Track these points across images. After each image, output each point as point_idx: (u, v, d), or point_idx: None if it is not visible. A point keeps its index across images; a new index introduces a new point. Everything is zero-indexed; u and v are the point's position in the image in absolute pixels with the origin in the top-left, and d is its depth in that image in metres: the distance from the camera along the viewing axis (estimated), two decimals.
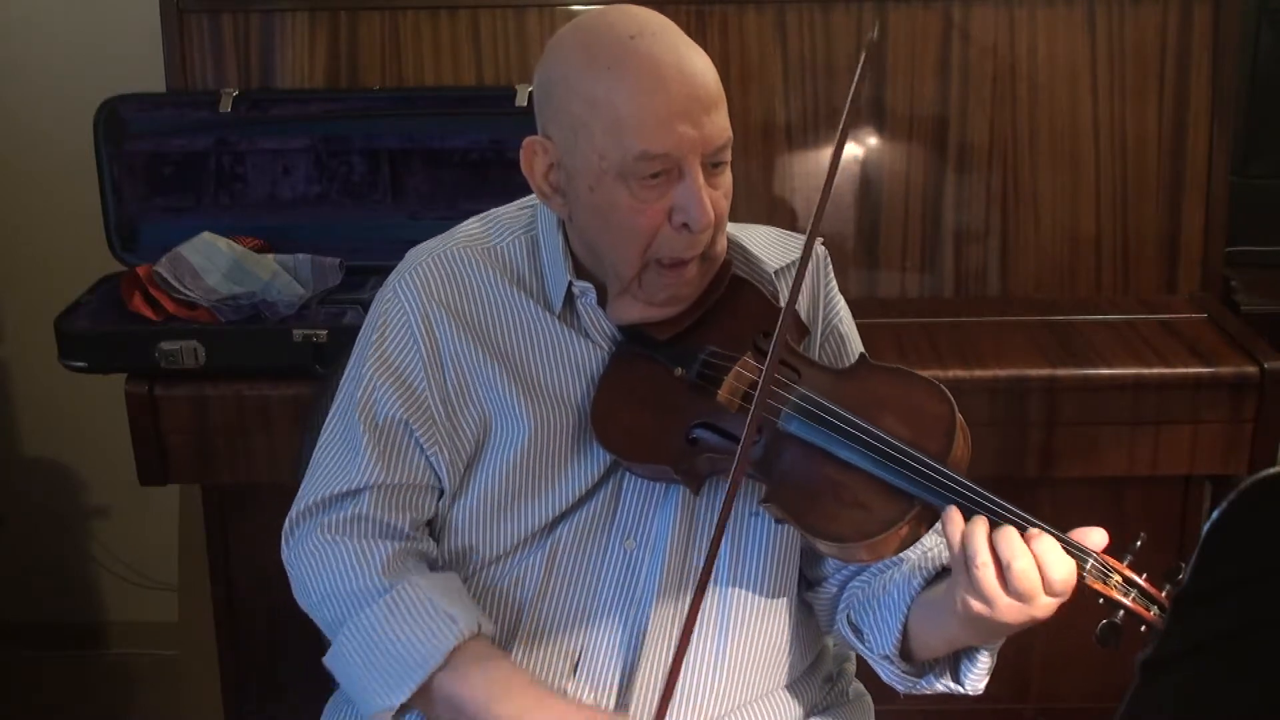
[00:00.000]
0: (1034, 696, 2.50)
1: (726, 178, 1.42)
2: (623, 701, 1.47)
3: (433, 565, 1.52)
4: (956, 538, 1.27)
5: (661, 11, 2.52)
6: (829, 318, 1.56)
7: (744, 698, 1.52)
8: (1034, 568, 1.23)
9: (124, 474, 2.31)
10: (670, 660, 1.49)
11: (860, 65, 1.41)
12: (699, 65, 1.37)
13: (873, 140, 2.46)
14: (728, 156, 1.41)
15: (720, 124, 1.38)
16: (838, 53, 2.44)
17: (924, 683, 1.44)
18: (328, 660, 1.47)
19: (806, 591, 1.56)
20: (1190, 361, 2.21)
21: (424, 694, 1.40)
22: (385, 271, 1.56)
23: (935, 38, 2.44)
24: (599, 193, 1.38)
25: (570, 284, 1.47)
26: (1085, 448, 2.23)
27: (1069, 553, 1.25)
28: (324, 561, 1.46)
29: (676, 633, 1.49)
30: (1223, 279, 2.48)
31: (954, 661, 1.43)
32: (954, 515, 1.28)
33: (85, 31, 2.71)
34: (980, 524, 1.26)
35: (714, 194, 1.39)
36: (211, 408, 2.22)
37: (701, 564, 1.49)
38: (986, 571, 1.24)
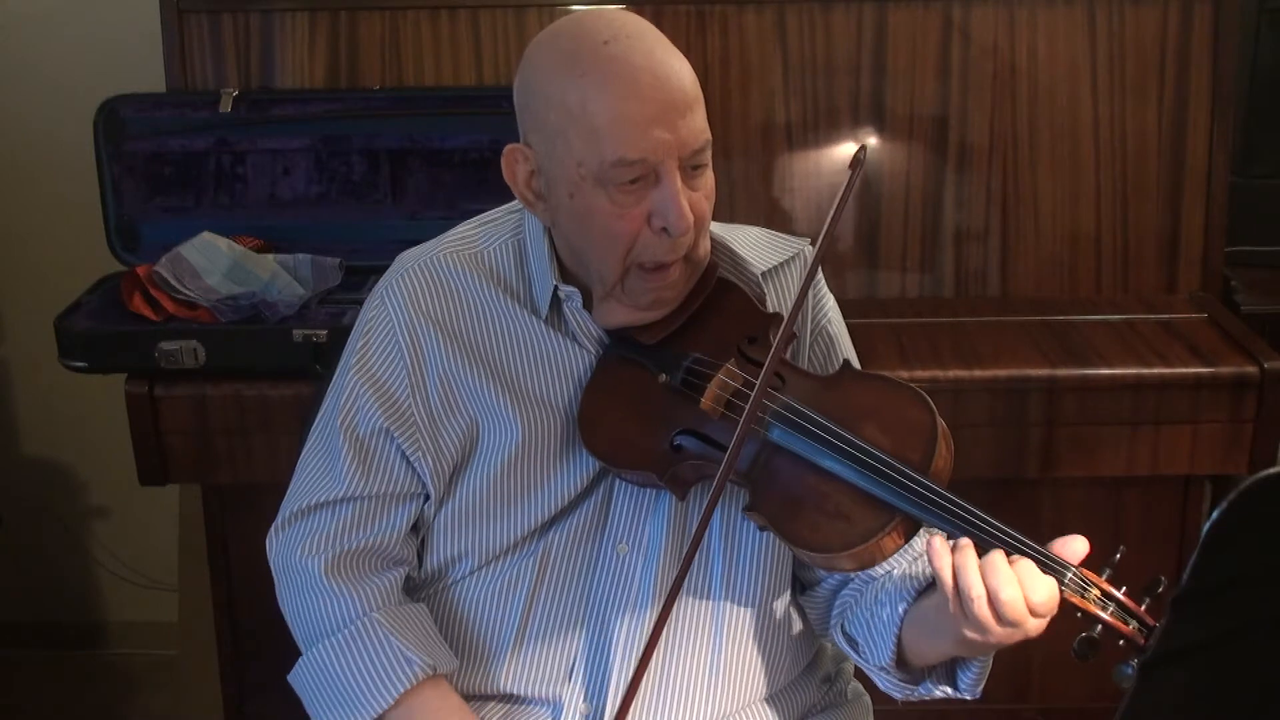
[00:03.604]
0: (1034, 697, 2.50)
1: (707, 179, 1.40)
2: (619, 706, 1.47)
3: (411, 581, 1.53)
4: (945, 571, 1.26)
5: (661, 12, 2.54)
6: (818, 319, 1.56)
7: (740, 702, 1.52)
8: (1020, 596, 1.23)
9: (124, 474, 2.31)
10: (665, 663, 1.49)
11: (847, 183, 1.40)
12: (674, 68, 1.36)
13: (873, 140, 2.46)
14: (707, 159, 1.39)
15: (697, 126, 1.36)
16: (838, 53, 2.44)
17: (921, 689, 1.44)
18: (290, 679, 1.50)
19: (800, 596, 1.56)
20: (1190, 361, 2.21)
21: None
22: (385, 272, 1.56)
23: (935, 38, 2.44)
24: (578, 199, 1.38)
25: (556, 288, 1.47)
26: (1085, 448, 2.22)
27: (1048, 569, 1.25)
28: (299, 584, 1.49)
29: (673, 639, 1.49)
30: (1223, 279, 2.48)
31: (950, 667, 1.43)
32: (939, 547, 1.27)
33: (85, 31, 2.71)
34: (970, 555, 1.26)
35: (694, 196, 1.38)
36: (211, 408, 2.22)
37: (696, 567, 1.49)
38: (981, 604, 1.24)
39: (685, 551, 1.47)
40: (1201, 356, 2.22)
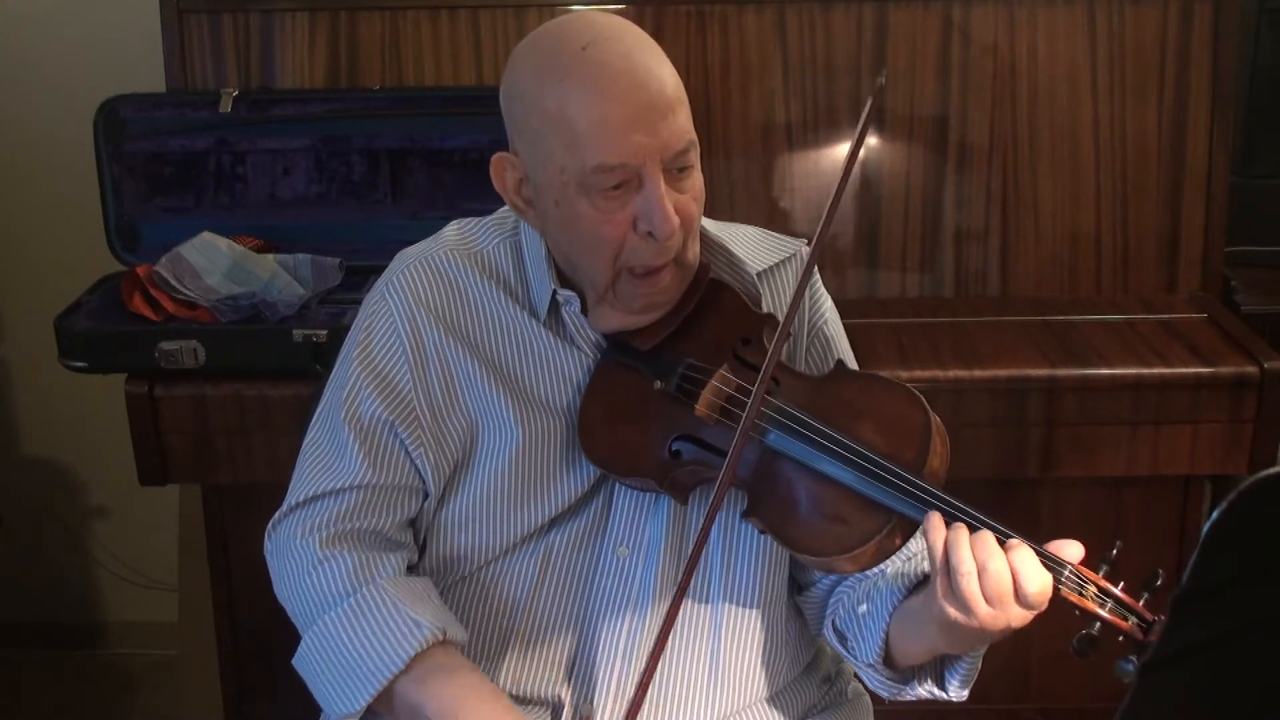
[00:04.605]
0: (1033, 696, 2.50)
1: (695, 181, 1.40)
2: (616, 708, 1.47)
3: (412, 567, 1.51)
4: (939, 545, 1.27)
5: (662, 12, 2.54)
6: (814, 320, 1.56)
7: (740, 703, 1.52)
8: (1007, 571, 1.24)
9: (124, 474, 2.31)
10: (664, 666, 1.49)
11: (866, 111, 1.40)
12: (653, 70, 1.35)
13: (873, 140, 2.46)
14: (693, 160, 1.38)
15: (679, 128, 1.35)
16: (838, 53, 2.44)
17: (908, 689, 1.44)
18: (295, 662, 1.46)
19: (797, 595, 1.56)
20: (1190, 361, 2.21)
21: (386, 701, 1.38)
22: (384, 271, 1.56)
23: (935, 38, 2.44)
24: (564, 206, 1.38)
25: (555, 292, 1.47)
26: (1085, 448, 2.22)
27: (1045, 567, 1.25)
28: (298, 562, 1.46)
29: (673, 640, 1.49)
30: (1223, 279, 2.48)
31: (938, 667, 1.43)
32: (936, 522, 1.28)
33: (85, 31, 2.71)
34: (962, 532, 1.26)
35: (680, 198, 1.37)
36: (211, 408, 2.22)
37: (697, 572, 1.48)
38: (970, 580, 1.24)
39: (685, 554, 1.48)
40: (1201, 356, 2.22)
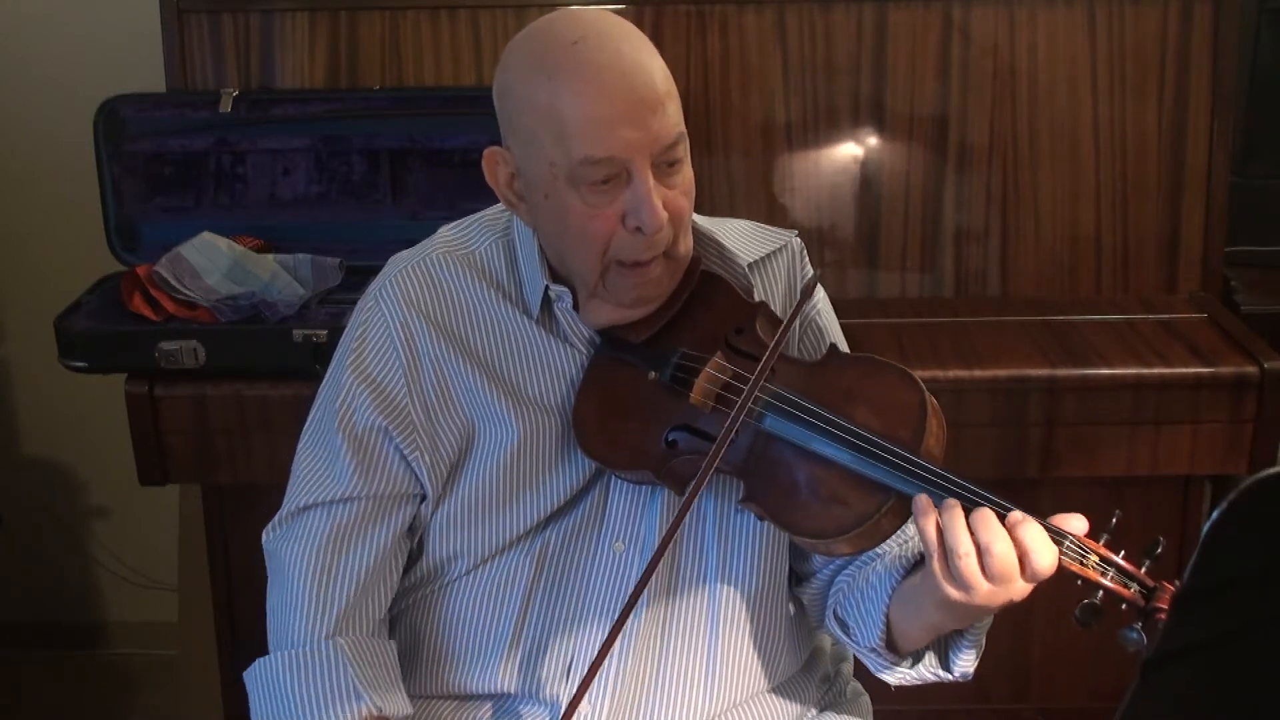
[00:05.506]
0: (1034, 696, 2.50)
1: (685, 175, 1.40)
2: (613, 704, 1.47)
3: (407, 579, 1.52)
4: (930, 529, 1.26)
5: (661, 12, 2.54)
6: (807, 310, 1.56)
7: (738, 697, 1.52)
8: (1012, 551, 1.23)
9: (124, 474, 2.31)
10: (663, 657, 1.49)
11: (794, 307, 1.45)
12: (643, 65, 1.36)
13: (873, 140, 2.46)
14: (682, 154, 1.39)
15: (668, 122, 1.36)
16: (838, 53, 2.44)
17: (913, 672, 1.44)
18: (245, 676, 1.48)
19: (796, 587, 1.56)
20: (1190, 361, 2.21)
21: None
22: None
23: (935, 38, 2.44)
24: (553, 200, 1.38)
25: (547, 288, 1.47)
26: (1085, 448, 2.22)
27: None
28: (286, 588, 1.47)
29: (670, 633, 1.49)
30: (1223, 279, 2.48)
31: (942, 647, 1.43)
32: (924, 505, 1.28)
33: (85, 31, 2.71)
34: (957, 512, 1.26)
35: (669, 193, 1.38)
36: (211, 408, 2.22)
37: (692, 560, 1.48)
38: (969, 561, 1.24)
39: (682, 548, 1.48)
40: (1201, 356, 2.22)
